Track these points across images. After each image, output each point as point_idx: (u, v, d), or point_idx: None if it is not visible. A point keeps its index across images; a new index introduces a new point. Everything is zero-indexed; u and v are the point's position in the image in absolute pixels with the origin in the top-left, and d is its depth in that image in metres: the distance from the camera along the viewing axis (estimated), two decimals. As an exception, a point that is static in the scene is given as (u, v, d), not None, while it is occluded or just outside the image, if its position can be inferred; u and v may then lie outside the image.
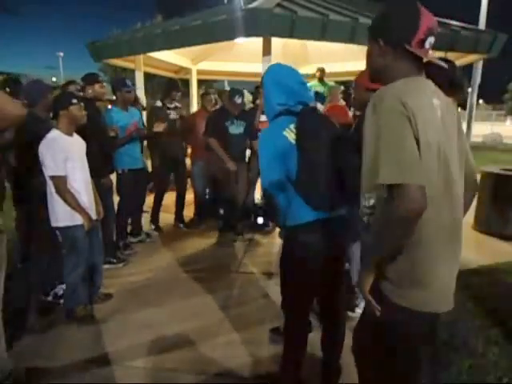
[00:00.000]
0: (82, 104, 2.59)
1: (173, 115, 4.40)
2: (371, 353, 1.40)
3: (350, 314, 2.54)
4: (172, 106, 4.45)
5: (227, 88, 4.85)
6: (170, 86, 4.55)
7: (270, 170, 1.72)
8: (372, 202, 1.23)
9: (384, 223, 1.12)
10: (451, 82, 1.90)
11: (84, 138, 2.73)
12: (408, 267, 1.19)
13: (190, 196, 4.91)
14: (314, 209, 1.67)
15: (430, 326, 1.34)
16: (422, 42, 1.17)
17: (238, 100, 4.04)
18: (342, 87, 4.51)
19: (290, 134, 1.69)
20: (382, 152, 1.06)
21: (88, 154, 2.73)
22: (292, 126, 1.70)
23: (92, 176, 2.78)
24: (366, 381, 1.49)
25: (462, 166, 1.26)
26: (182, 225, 4.82)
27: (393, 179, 1.04)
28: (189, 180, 4.91)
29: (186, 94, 8.75)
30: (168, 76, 8.32)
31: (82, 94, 3.41)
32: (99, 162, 3.35)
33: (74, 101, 2.53)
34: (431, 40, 1.18)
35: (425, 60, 1.22)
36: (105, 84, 3.61)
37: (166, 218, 4.79)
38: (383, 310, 1.25)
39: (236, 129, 4.17)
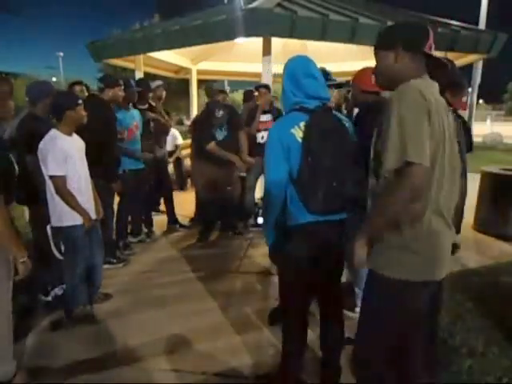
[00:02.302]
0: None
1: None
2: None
3: (349, 314, 2.54)
4: (144, 107, 4.32)
5: (227, 88, 4.84)
6: (140, 87, 4.28)
7: (274, 166, 1.71)
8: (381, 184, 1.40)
9: (389, 193, 1.30)
10: (452, 82, 1.94)
11: (90, 138, 2.74)
12: (402, 240, 1.37)
13: (191, 195, 4.91)
14: (310, 211, 1.66)
15: (429, 295, 1.49)
16: (431, 46, 1.41)
17: (219, 114, 4.01)
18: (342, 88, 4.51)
19: (298, 132, 1.67)
20: (408, 139, 1.24)
21: (102, 157, 2.74)
22: (302, 124, 1.67)
23: (101, 179, 2.79)
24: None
25: (456, 162, 1.45)
26: (177, 225, 4.79)
27: (413, 159, 1.22)
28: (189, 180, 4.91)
29: (186, 94, 8.75)
30: (168, 76, 8.33)
31: (99, 94, 3.43)
32: (112, 165, 3.38)
33: (80, 101, 2.55)
34: (433, 46, 1.43)
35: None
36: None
37: (165, 217, 4.78)
38: (380, 289, 1.44)
39: (221, 134, 4.11)
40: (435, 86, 1.42)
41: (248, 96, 4.87)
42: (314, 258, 1.73)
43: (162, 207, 4.95)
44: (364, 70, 2.44)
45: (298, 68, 1.76)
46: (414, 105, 1.26)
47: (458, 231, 2.29)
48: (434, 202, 1.34)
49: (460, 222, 2.27)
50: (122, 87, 3.51)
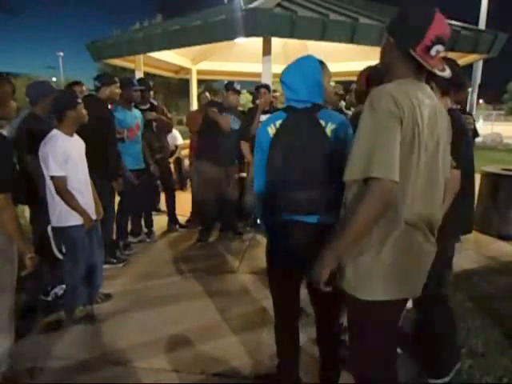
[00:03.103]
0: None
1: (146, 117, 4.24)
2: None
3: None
4: (146, 107, 4.33)
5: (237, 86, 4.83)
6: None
7: (256, 163, 1.78)
8: (350, 194, 1.32)
9: (358, 208, 1.19)
10: (454, 82, 1.91)
11: (90, 138, 2.74)
12: (372, 260, 1.28)
13: (190, 195, 4.91)
14: (275, 207, 1.69)
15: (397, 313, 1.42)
16: (428, 48, 1.19)
17: (237, 86, 4.09)
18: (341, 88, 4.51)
19: (272, 130, 1.70)
20: (377, 152, 1.15)
21: (101, 156, 2.74)
22: (278, 122, 1.70)
23: (102, 178, 2.79)
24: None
25: (446, 168, 1.36)
26: (177, 226, 4.79)
27: (379, 174, 1.14)
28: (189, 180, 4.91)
29: (186, 94, 8.75)
30: (168, 76, 8.33)
31: (94, 93, 3.43)
32: (113, 164, 3.37)
33: (79, 100, 2.55)
34: (439, 48, 1.20)
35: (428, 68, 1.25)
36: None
37: (165, 217, 4.78)
38: (354, 310, 1.37)
39: (232, 123, 4.14)
40: (423, 89, 1.27)
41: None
42: (284, 256, 1.75)
43: (163, 206, 4.94)
44: (363, 70, 2.43)
45: (297, 69, 1.73)
46: (386, 113, 1.16)
47: (470, 231, 2.29)
48: (408, 213, 1.24)
49: (471, 222, 2.26)
50: (118, 84, 3.50)
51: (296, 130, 1.66)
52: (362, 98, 2.43)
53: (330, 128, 1.65)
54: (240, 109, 4.64)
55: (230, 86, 4.16)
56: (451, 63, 2.02)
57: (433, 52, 1.20)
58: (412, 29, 1.21)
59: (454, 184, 1.76)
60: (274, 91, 4.80)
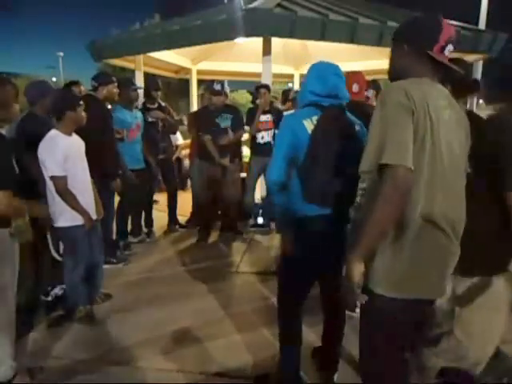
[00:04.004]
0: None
1: (150, 118, 4.26)
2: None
3: (350, 313, 2.54)
4: (154, 106, 4.35)
5: (227, 88, 4.80)
6: (148, 86, 4.46)
7: (282, 155, 1.77)
8: (364, 185, 1.33)
9: (376, 202, 1.18)
10: (467, 81, 1.89)
11: (88, 138, 2.74)
12: (394, 259, 1.26)
13: (190, 195, 4.91)
14: (307, 201, 1.71)
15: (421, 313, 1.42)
16: (443, 48, 1.31)
17: (217, 86, 4.08)
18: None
19: (309, 125, 1.73)
20: (388, 140, 1.17)
21: (100, 156, 2.74)
22: (314, 118, 1.75)
23: (101, 178, 2.79)
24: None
25: (463, 168, 1.34)
26: (177, 226, 4.79)
27: (391, 161, 1.15)
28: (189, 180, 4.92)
29: (186, 94, 8.75)
30: (168, 76, 8.32)
31: (92, 93, 3.42)
32: (112, 164, 3.37)
33: (80, 102, 2.55)
34: (450, 48, 1.32)
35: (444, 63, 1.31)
36: None
37: (165, 217, 4.79)
38: (373, 305, 1.31)
39: (223, 122, 4.16)
40: (439, 89, 1.32)
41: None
42: (311, 248, 1.78)
43: (163, 206, 4.93)
44: (352, 73, 2.40)
45: (323, 67, 1.85)
46: (396, 105, 1.20)
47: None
48: (424, 208, 1.22)
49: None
50: (116, 84, 3.49)
51: (337, 128, 1.72)
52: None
53: (356, 128, 1.80)
54: (228, 102, 4.60)
55: (209, 89, 4.18)
56: (465, 65, 1.98)
57: (446, 52, 1.31)
58: (428, 32, 1.31)
59: None
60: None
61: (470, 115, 1.48)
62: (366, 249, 1.23)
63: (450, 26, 1.31)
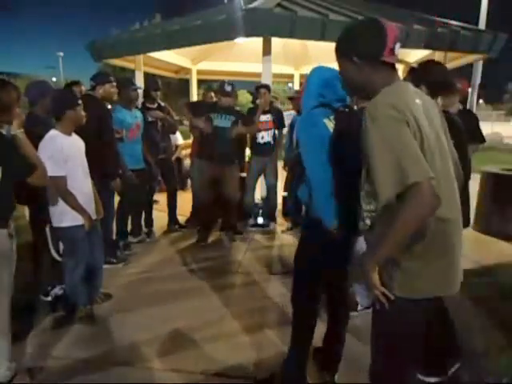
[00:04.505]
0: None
1: (150, 118, 4.25)
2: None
3: (351, 313, 2.54)
4: (154, 106, 4.34)
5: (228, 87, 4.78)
6: (148, 86, 4.46)
7: (314, 155, 1.76)
8: (371, 206, 1.30)
9: (398, 221, 1.15)
10: (443, 85, 1.95)
11: (88, 137, 2.74)
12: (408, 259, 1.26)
13: (191, 195, 4.91)
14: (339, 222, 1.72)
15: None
16: (392, 50, 1.28)
17: (228, 88, 4.04)
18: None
19: (330, 124, 1.76)
20: (403, 159, 1.12)
21: (100, 156, 2.74)
22: (331, 117, 1.78)
23: (101, 178, 2.78)
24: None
25: (451, 161, 1.36)
26: (176, 226, 4.78)
27: (419, 178, 1.10)
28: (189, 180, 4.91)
29: (186, 94, 8.75)
30: (168, 76, 8.32)
31: (91, 93, 3.42)
32: (112, 164, 3.37)
33: (80, 101, 2.55)
34: (398, 46, 1.29)
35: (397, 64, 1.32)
36: None
37: (165, 217, 4.79)
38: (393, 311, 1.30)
39: (222, 122, 4.08)
40: (410, 89, 1.32)
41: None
42: (330, 256, 1.83)
43: (163, 205, 4.93)
44: None
45: (328, 72, 1.85)
46: (391, 122, 1.15)
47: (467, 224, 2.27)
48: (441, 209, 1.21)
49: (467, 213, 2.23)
50: (114, 84, 3.49)
51: (352, 128, 1.69)
52: None
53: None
54: (237, 108, 4.60)
55: (220, 90, 4.12)
56: (440, 67, 2.06)
57: (396, 51, 1.29)
58: (374, 39, 1.28)
59: None
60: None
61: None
62: (384, 258, 1.26)
63: (391, 24, 1.29)
